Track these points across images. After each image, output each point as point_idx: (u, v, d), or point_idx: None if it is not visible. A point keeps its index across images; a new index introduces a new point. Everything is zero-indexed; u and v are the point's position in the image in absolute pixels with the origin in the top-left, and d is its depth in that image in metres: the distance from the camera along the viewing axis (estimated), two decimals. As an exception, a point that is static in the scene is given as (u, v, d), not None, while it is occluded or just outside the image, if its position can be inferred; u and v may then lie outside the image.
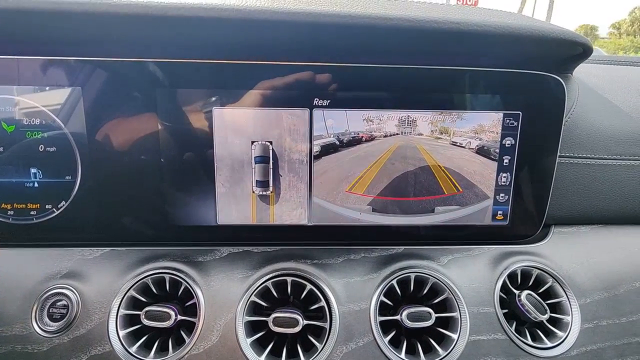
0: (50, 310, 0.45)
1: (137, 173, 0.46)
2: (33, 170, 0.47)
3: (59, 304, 0.46)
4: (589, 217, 0.53)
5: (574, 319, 0.47)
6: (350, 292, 0.46)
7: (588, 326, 0.47)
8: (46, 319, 0.45)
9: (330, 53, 0.44)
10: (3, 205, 0.47)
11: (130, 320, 0.45)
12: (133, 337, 0.45)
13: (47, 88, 0.45)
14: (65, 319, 0.44)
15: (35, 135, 0.45)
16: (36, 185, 0.47)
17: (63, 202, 0.47)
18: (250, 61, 0.43)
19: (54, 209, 0.47)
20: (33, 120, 0.45)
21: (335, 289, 0.46)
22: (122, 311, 0.45)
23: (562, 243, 0.52)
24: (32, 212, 0.47)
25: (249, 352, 0.43)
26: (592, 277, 0.49)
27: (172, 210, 0.47)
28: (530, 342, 0.45)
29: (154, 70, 0.43)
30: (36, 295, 0.45)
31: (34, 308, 0.45)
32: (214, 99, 0.44)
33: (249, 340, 0.44)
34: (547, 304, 0.46)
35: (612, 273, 0.50)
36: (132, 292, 0.45)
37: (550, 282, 0.49)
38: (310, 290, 0.45)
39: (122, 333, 0.44)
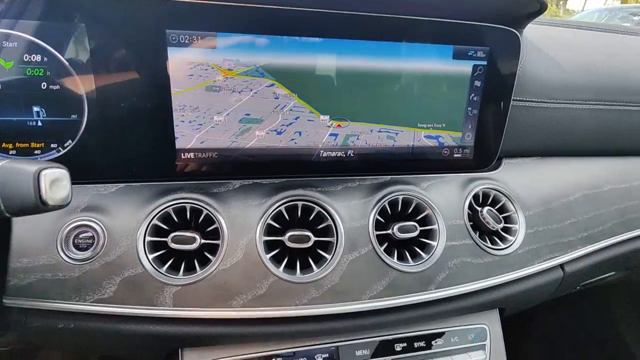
0: (76, 241, 0.48)
1: (145, 109, 0.48)
2: (36, 109, 0.47)
3: (83, 235, 0.48)
4: (531, 151, 0.66)
5: (520, 227, 0.60)
6: (351, 212, 0.54)
7: (530, 231, 0.60)
8: (73, 249, 0.47)
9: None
10: (4, 145, 0.47)
11: (154, 247, 0.49)
12: (159, 261, 0.49)
13: (49, 24, 0.45)
14: (92, 247, 0.47)
15: (36, 72, 0.45)
16: (40, 124, 0.47)
17: (69, 141, 0.48)
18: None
19: (59, 148, 0.48)
20: (34, 57, 0.45)
21: (338, 210, 0.54)
22: (149, 238, 0.49)
23: (511, 171, 0.65)
24: (36, 152, 0.48)
25: (270, 265, 0.50)
26: (533, 196, 0.63)
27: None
28: (489, 245, 0.58)
29: (161, 7, 0.45)
30: (58, 229, 0.47)
31: (58, 240, 0.47)
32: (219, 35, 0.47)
33: (268, 255, 0.50)
34: (502, 217, 0.59)
35: (547, 192, 0.64)
36: (156, 221, 0.49)
37: (503, 200, 0.61)
38: (319, 212, 0.53)
39: (150, 257, 0.48)
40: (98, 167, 0.49)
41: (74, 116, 0.48)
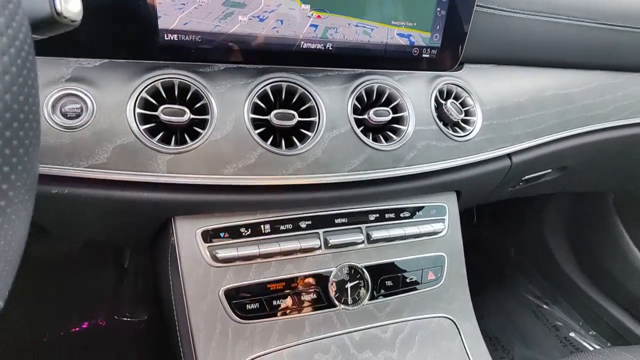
0: (63, 109, 0.48)
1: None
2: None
3: (71, 105, 0.48)
4: (489, 58, 0.73)
5: (477, 119, 0.67)
6: (331, 96, 0.58)
7: (485, 123, 0.68)
8: (61, 117, 0.48)
9: None
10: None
11: (145, 120, 0.51)
12: (150, 134, 0.51)
13: None
14: (81, 116, 0.48)
15: None
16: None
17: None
18: None
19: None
20: None
21: (320, 93, 0.58)
22: (138, 110, 0.50)
23: (472, 73, 0.71)
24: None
25: (258, 138, 0.53)
26: (489, 94, 0.70)
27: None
28: (451, 132, 0.65)
29: None
30: (44, 97, 0.47)
31: (45, 107, 0.47)
32: None
33: (257, 131, 0.54)
34: (463, 110, 0.66)
35: (501, 92, 0.72)
36: (145, 95, 0.50)
37: (464, 96, 0.68)
38: (302, 94, 0.57)
39: (142, 127, 0.50)
40: (79, 41, 0.49)
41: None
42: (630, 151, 0.90)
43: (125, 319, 1.28)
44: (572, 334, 1.33)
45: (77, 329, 1.23)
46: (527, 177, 0.82)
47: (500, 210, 1.65)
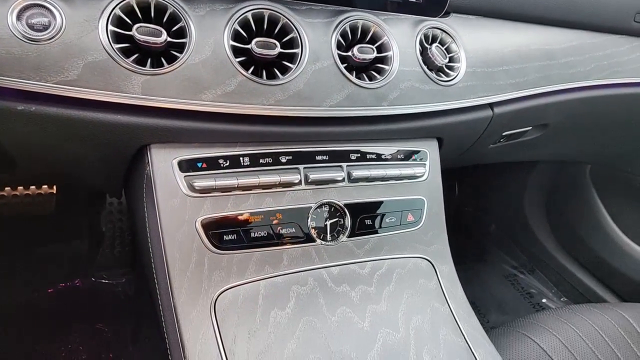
0: (30, 21, 0.45)
1: None
2: None
3: (38, 18, 0.46)
4: (475, 9, 0.73)
5: (462, 65, 0.67)
6: (315, 29, 0.57)
7: (469, 70, 0.68)
8: (27, 28, 0.45)
9: None
10: None
11: (118, 40, 0.49)
12: (123, 54, 0.49)
13: None
14: (49, 29, 0.46)
15: None
16: None
17: None
18: None
19: None
20: None
21: (303, 25, 0.56)
22: (111, 27, 0.48)
23: (458, 22, 0.71)
24: None
25: (238, 66, 0.52)
26: (474, 42, 0.70)
27: None
28: (435, 75, 0.65)
29: None
30: (7, 7, 0.44)
31: (8, 18, 0.44)
32: None
33: (238, 59, 0.52)
34: (447, 55, 0.66)
35: (485, 42, 0.72)
36: (118, 11, 0.48)
37: (449, 41, 0.67)
38: (285, 23, 0.55)
39: (115, 46, 0.48)
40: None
41: None
42: (608, 112, 0.92)
43: (102, 281, 1.25)
44: (544, 300, 1.38)
45: (52, 290, 1.21)
46: (508, 132, 0.83)
47: (481, 185, 1.68)
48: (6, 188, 1.06)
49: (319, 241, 0.57)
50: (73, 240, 1.27)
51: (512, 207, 1.55)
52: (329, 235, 0.58)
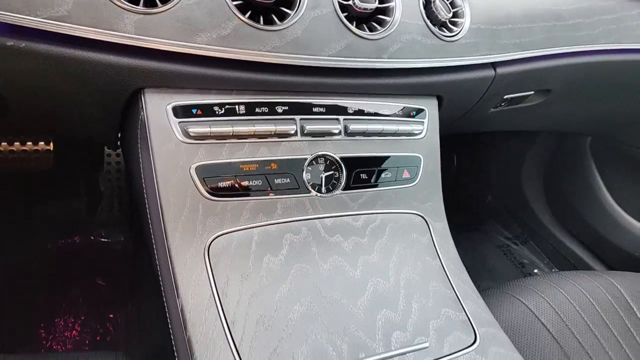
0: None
1: None
2: None
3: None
4: None
5: (466, 21, 0.65)
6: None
7: (473, 27, 0.66)
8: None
9: None
10: None
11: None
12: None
13: None
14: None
15: None
16: None
17: None
18: None
19: None
20: None
21: (303, -32, 0.54)
22: (103, -38, 0.46)
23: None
24: None
25: (234, 8, 0.50)
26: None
27: None
28: (438, 30, 0.63)
29: None
30: None
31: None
32: None
33: (234, 2, 0.50)
34: (452, 10, 0.64)
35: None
36: (110, -54, 0.46)
37: (454, -5, 0.65)
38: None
39: (107, -19, 0.46)
40: None
41: None
42: (613, 79, 0.90)
43: (101, 239, 1.27)
44: (535, 271, 1.40)
45: (51, 247, 1.22)
46: (510, 96, 0.82)
47: (480, 157, 1.67)
48: (2, 143, 1.05)
49: (313, 192, 0.57)
50: (71, 199, 1.28)
51: (510, 179, 1.55)
52: (323, 188, 0.58)
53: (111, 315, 1.10)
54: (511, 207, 1.59)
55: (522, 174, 1.52)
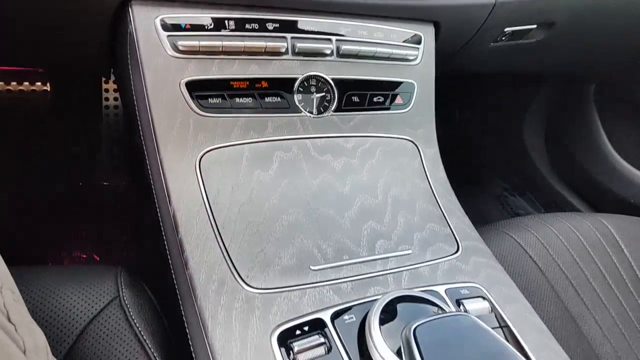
0: None
1: None
2: None
3: None
4: None
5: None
6: None
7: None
8: None
9: None
10: None
11: None
12: None
13: None
14: None
15: None
16: None
17: None
18: None
19: None
20: None
21: None
22: None
23: None
24: None
25: None
26: None
27: None
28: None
29: None
30: None
31: None
32: None
33: None
34: None
35: None
36: None
37: None
38: None
39: None
40: None
41: None
42: (622, 12, 0.87)
43: (103, 183, 1.29)
44: (531, 220, 1.42)
45: (52, 191, 1.25)
46: (510, 29, 0.79)
47: (482, 108, 1.65)
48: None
49: (304, 113, 0.57)
50: (71, 144, 1.29)
51: (511, 131, 1.53)
52: (315, 109, 0.58)
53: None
54: (511, 158, 1.58)
55: (523, 125, 1.50)
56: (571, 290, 0.78)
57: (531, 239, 0.83)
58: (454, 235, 0.55)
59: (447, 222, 0.56)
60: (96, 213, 1.20)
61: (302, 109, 0.57)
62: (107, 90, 1.22)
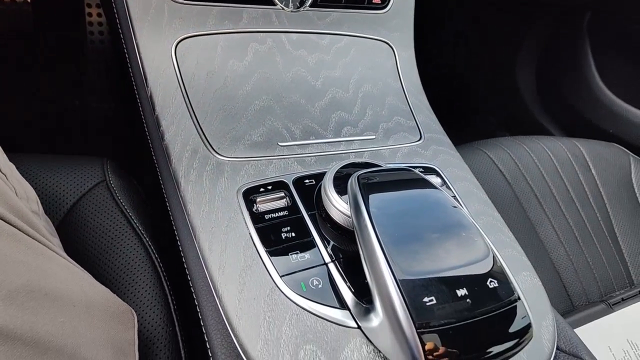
0: None
1: None
2: None
3: None
4: None
5: None
6: None
7: None
8: None
9: None
10: None
11: None
12: None
13: None
14: None
15: None
16: None
17: None
18: None
19: None
20: None
21: None
22: None
23: None
24: None
25: None
26: None
27: None
28: None
29: None
30: None
31: None
32: None
33: None
34: None
35: None
36: None
37: None
38: None
39: None
40: None
41: None
42: None
43: (92, 105, 1.30)
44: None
45: (44, 112, 1.26)
46: None
47: (474, 46, 1.62)
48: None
49: (280, 5, 0.57)
50: (57, 64, 1.27)
51: (503, 68, 1.52)
52: (290, 2, 0.58)
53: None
54: (504, 101, 1.58)
55: (516, 62, 1.49)
56: (534, 200, 0.83)
57: (504, 155, 0.87)
58: (418, 128, 0.58)
59: (414, 117, 0.59)
60: (86, 131, 1.22)
61: (277, 1, 0.57)
62: (89, 5, 1.19)
